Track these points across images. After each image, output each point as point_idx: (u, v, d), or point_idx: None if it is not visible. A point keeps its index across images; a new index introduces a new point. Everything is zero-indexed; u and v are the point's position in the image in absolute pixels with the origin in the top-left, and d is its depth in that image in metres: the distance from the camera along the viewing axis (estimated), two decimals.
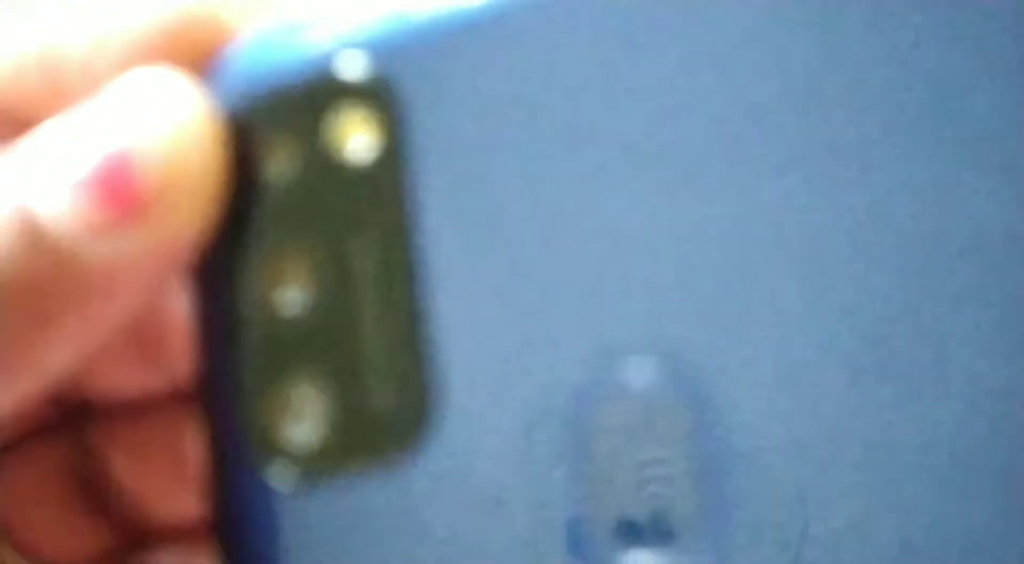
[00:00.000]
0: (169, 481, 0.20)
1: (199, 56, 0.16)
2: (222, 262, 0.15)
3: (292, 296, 0.15)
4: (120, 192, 0.15)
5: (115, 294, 0.15)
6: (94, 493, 0.20)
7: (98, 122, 0.15)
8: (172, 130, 0.15)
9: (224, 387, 0.16)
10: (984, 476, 0.12)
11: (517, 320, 0.14)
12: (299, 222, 0.15)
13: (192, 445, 0.19)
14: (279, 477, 0.15)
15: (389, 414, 0.15)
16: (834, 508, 0.12)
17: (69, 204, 0.15)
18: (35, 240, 0.15)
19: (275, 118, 0.15)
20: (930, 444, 0.12)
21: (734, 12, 0.13)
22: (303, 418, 0.15)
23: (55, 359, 0.15)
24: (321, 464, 0.15)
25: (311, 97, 0.15)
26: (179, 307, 0.17)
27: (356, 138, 0.15)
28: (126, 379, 0.19)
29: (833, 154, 0.13)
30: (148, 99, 0.15)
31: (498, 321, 0.14)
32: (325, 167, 0.15)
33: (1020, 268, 0.12)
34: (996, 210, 0.12)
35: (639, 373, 0.13)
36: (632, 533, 0.13)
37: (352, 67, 0.15)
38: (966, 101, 0.12)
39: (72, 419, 0.19)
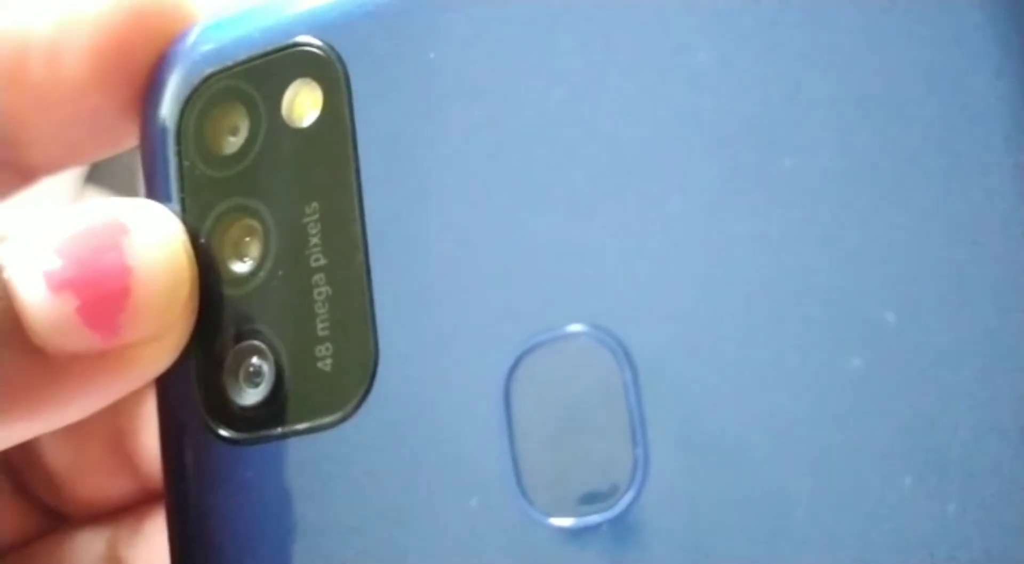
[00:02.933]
0: (98, 456, 0.20)
1: (160, 37, 0.17)
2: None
3: (245, 261, 0.16)
4: (103, 307, 0.15)
5: (66, 399, 0.16)
6: (14, 471, 0.20)
7: (90, 234, 0.15)
8: (151, 257, 0.15)
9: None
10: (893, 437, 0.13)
11: (457, 285, 0.15)
12: (254, 189, 0.16)
13: (124, 422, 0.20)
14: (227, 436, 0.16)
15: (332, 374, 0.15)
16: (758, 461, 0.13)
17: (51, 299, 0.15)
18: (10, 317, 0.15)
19: (235, 90, 0.16)
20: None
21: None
22: (250, 379, 0.16)
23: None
24: (267, 421, 0.16)
25: (268, 72, 0.16)
26: None
27: (308, 107, 0.16)
28: None
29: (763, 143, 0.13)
30: (132, 223, 0.16)
31: (439, 285, 0.15)
32: (278, 134, 0.16)
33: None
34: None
35: (573, 334, 0.14)
36: (572, 483, 0.14)
37: (304, 44, 0.16)
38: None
39: None
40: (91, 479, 0.20)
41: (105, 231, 0.15)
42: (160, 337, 0.16)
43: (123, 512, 0.20)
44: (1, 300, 0.15)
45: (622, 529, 0.14)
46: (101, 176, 0.40)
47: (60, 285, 0.15)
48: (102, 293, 0.15)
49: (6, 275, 0.15)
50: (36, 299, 0.15)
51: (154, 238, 0.16)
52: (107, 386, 0.16)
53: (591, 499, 0.14)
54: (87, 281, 0.15)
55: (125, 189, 0.39)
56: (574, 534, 0.14)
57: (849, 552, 0.13)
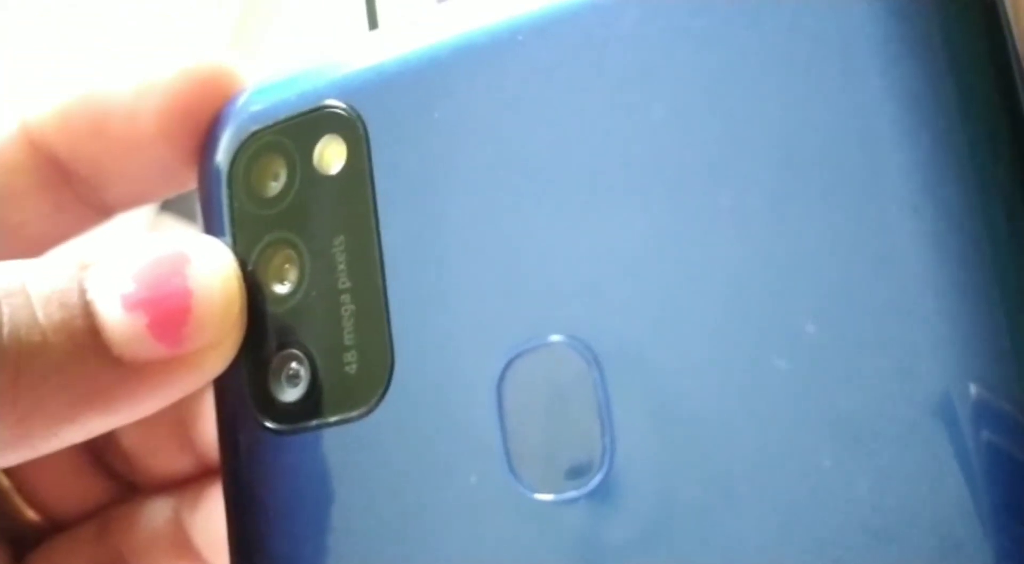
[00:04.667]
0: (165, 439, 0.21)
1: (216, 100, 0.19)
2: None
3: (285, 284, 0.18)
4: (169, 323, 0.16)
5: (139, 399, 0.17)
6: (95, 449, 0.22)
7: (159, 262, 0.16)
8: (209, 281, 0.17)
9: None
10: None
11: (459, 302, 0.16)
12: (292, 225, 0.18)
13: (186, 413, 0.21)
14: (272, 427, 0.18)
15: (356, 376, 0.17)
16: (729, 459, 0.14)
17: (126, 317, 0.16)
18: (92, 332, 0.16)
19: (276, 144, 0.18)
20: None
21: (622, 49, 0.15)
22: (290, 380, 0.18)
23: (67, 436, 0.16)
24: (304, 415, 0.17)
25: (302, 129, 0.18)
26: None
27: (335, 158, 0.18)
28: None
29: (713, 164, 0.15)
30: (193, 254, 0.17)
31: (444, 302, 0.16)
32: (311, 180, 0.18)
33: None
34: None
35: (553, 343, 0.16)
36: (553, 465, 0.15)
37: (331, 106, 0.18)
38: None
39: None
40: (159, 457, 0.22)
41: (171, 260, 0.16)
42: (216, 346, 0.17)
43: (185, 485, 0.22)
44: (86, 317, 0.16)
45: (594, 502, 0.15)
46: (173, 206, 0.42)
47: (133, 305, 0.16)
48: (168, 311, 0.16)
49: (89, 297, 0.16)
50: (113, 317, 0.16)
51: (211, 266, 0.17)
52: (173, 387, 0.17)
53: (569, 477, 0.15)
54: (156, 301, 0.16)
55: (192, 216, 0.41)
56: (555, 506, 0.15)
57: (781, 518, 0.14)
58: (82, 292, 0.16)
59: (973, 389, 0.13)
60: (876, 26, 0.14)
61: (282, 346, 0.18)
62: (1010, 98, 0.14)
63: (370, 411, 0.17)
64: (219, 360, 0.17)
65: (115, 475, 0.22)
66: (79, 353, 0.16)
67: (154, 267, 0.16)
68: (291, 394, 0.18)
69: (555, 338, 0.16)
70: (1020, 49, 0.14)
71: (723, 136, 0.15)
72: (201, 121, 0.19)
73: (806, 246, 0.14)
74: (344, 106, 0.18)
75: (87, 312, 0.16)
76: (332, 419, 0.17)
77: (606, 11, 0.15)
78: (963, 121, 0.13)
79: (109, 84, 0.19)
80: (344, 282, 0.17)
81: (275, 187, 0.18)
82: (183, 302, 0.16)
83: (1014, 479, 0.13)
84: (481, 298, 0.16)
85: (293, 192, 0.18)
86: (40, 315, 0.16)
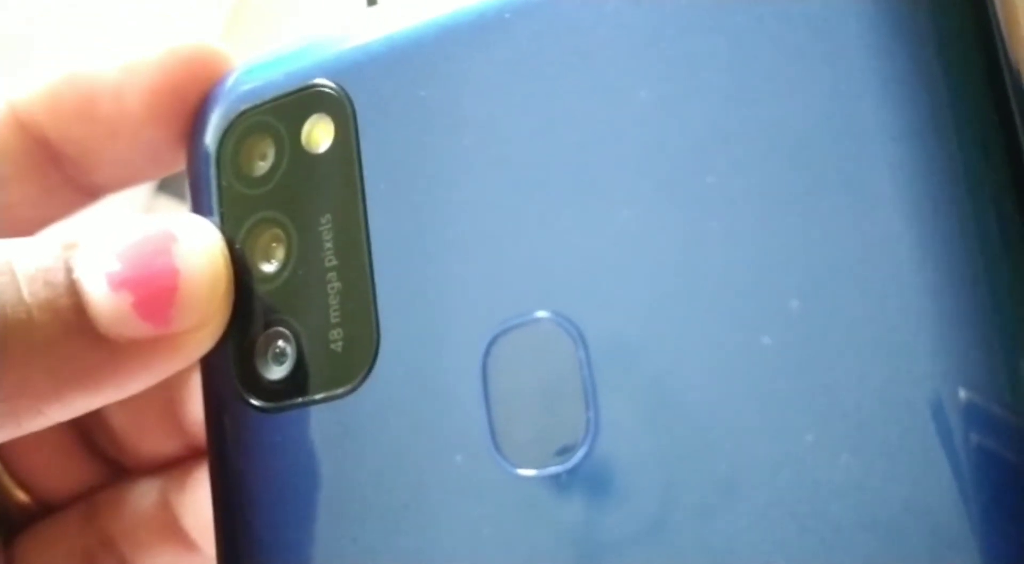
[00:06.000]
0: (154, 420, 0.22)
1: (205, 80, 0.19)
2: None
3: (272, 262, 0.18)
4: (155, 302, 0.16)
5: (126, 378, 0.17)
6: (84, 431, 0.22)
7: (145, 241, 0.16)
8: (195, 261, 0.17)
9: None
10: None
11: (445, 280, 0.16)
12: (280, 204, 0.18)
13: (174, 394, 0.21)
14: (258, 405, 0.18)
15: (342, 354, 0.17)
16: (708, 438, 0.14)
17: (112, 295, 0.16)
18: (78, 310, 0.16)
19: (264, 124, 0.18)
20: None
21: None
22: (276, 358, 0.18)
23: (53, 414, 0.16)
24: (290, 393, 0.17)
25: (290, 108, 0.18)
26: None
27: (322, 137, 0.18)
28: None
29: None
30: (179, 233, 0.17)
31: (430, 280, 0.16)
32: (299, 160, 0.18)
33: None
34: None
35: (538, 319, 0.16)
36: (537, 441, 0.16)
37: (320, 86, 0.18)
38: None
39: None
40: (147, 438, 0.22)
41: (158, 239, 0.16)
42: (202, 326, 0.17)
43: (172, 466, 0.22)
44: (72, 296, 0.16)
45: (577, 478, 0.15)
46: (169, 186, 0.42)
47: (119, 284, 0.16)
48: (154, 290, 0.16)
49: (75, 276, 0.16)
50: (99, 296, 0.16)
51: (198, 245, 0.17)
52: (160, 365, 0.17)
53: (552, 454, 0.15)
54: (141, 280, 0.16)
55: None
56: (539, 482, 0.15)
57: (762, 494, 0.14)
58: (68, 270, 0.16)
59: (955, 365, 0.13)
60: (864, 11, 0.14)
61: (269, 324, 0.18)
62: (998, 87, 0.14)
63: (355, 389, 0.17)
64: (206, 339, 0.17)
65: (104, 457, 0.22)
66: (65, 331, 0.16)
67: (140, 246, 0.16)
68: (277, 372, 0.18)
69: (541, 314, 0.16)
70: (1007, 39, 0.14)
71: (710, 118, 0.15)
72: (189, 101, 0.19)
73: (792, 229, 0.14)
74: (332, 85, 0.18)
75: (73, 290, 0.16)
76: (318, 397, 0.17)
77: None
78: (953, 108, 0.14)
79: (95, 65, 0.19)
80: (331, 260, 0.17)
81: (263, 166, 0.18)
82: (169, 281, 0.16)
83: (1001, 463, 0.13)
84: (467, 276, 0.16)
85: (281, 171, 0.18)
86: (26, 293, 0.16)
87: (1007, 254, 0.13)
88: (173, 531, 0.21)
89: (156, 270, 0.16)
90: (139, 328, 0.16)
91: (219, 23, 0.48)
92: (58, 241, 0.17)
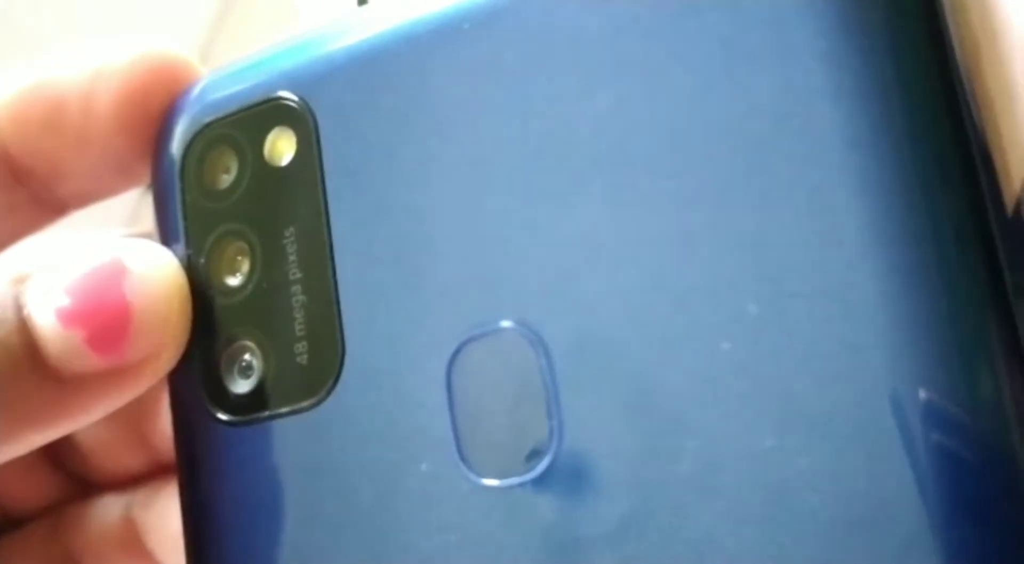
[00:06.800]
0: (120, 436, 0.21)
1: (172, 89, 0.18)
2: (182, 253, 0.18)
3: (237, 276, 0.18)
4: (107, 335, 0.16)
5: (80, 412, 0.16)
6: (51, 446, 0.20)
7: (94, 274, 0.16)
8: (147, 291, 0.16)
9: (185, 350, 0.18)
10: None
11: (408, 291, 0.16)
12: (244, 216, 0.18)
13: (142, 409, 0.21)
14: (225, 419, 0.18)
15: (307, 366, 0.17)
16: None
17: (63, 332, 0.16)
18: (29, 348, 0.16)
19: (227, 136, 0.18)
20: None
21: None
22: (243, 372, 0.18)
23: (8, 452, 0.16)
24: (257, 406, 0.17)
25: (254, 121, 0.18)
26: None
27: (285, 149, 0.18)
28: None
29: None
30: (130, 262, 0.16)
31: (394, 291, 0.16)
32: (262, 172, 0.18)
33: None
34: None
35: (501, 329, 0.16)
36: (502, 450, 0.16)
37: (282, 98, 0.18)
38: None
39: None
40: (114, 454, 0.22)
41: (108, 270, 0.16)
42: (158, 354, 0.17)
43: (139, 482, 0.22)
44: (22, 333, 0.16)
45: (542, 487, 0.15)
46: None
47: (69, 319, 0.16)
48: (105, 324, 0.16)
49: (25, 313, 0.16)
50: (50, 332, 0.16)
51: (149, 274, 0.17)
52: (115, 396, 0.17)
53: (516, 463, 0.15)
54: (93, 314, 0.16)
55: None
56: (503, 492, 0.15)
57: (726, 499, 0.14)
58: (18, 308, 0.16)
59: (914, 366, 0.13)
60: (817, 13, 0.14)
61: (235, 338, 0.18)
62: (950, 90, 0.14)
63: (321, 401, 0.17)
64: (162, 366, 0.17)
65: (70, 472, 0.22)
66: (15, 370, 0.16)
67: (90, 279, 0.16)
68: (243, 386, 0.18)
69: (504, 324, 0.16)
70: (958, 42, 0.14)
71: (666, 123, 0.15)
72: (157, 110, 0.19)
73: (748, 233, 0.14)
74: (294, 98, 0.18)
75: (24, 328, 0.16)
76: (284, 410, 0.17)
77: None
78: (906, 111, 0.14)
79: (61, 71, 0.18)
80: (295, 273, 0.17)
81: (227, 179, 0.18)
82: (121, 313, 0.16)
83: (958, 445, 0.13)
84: (431, 286, 0.16)
85: (244, 184, 0.18)
86: None
87: (963, 255, 0.13)
88: (136, 548, 0.21)
89: (107, 303, 0.16)
90: (92, 362, 0.16)
91: (207, 20, 0.47)
92: (8, 275, 0.16)
